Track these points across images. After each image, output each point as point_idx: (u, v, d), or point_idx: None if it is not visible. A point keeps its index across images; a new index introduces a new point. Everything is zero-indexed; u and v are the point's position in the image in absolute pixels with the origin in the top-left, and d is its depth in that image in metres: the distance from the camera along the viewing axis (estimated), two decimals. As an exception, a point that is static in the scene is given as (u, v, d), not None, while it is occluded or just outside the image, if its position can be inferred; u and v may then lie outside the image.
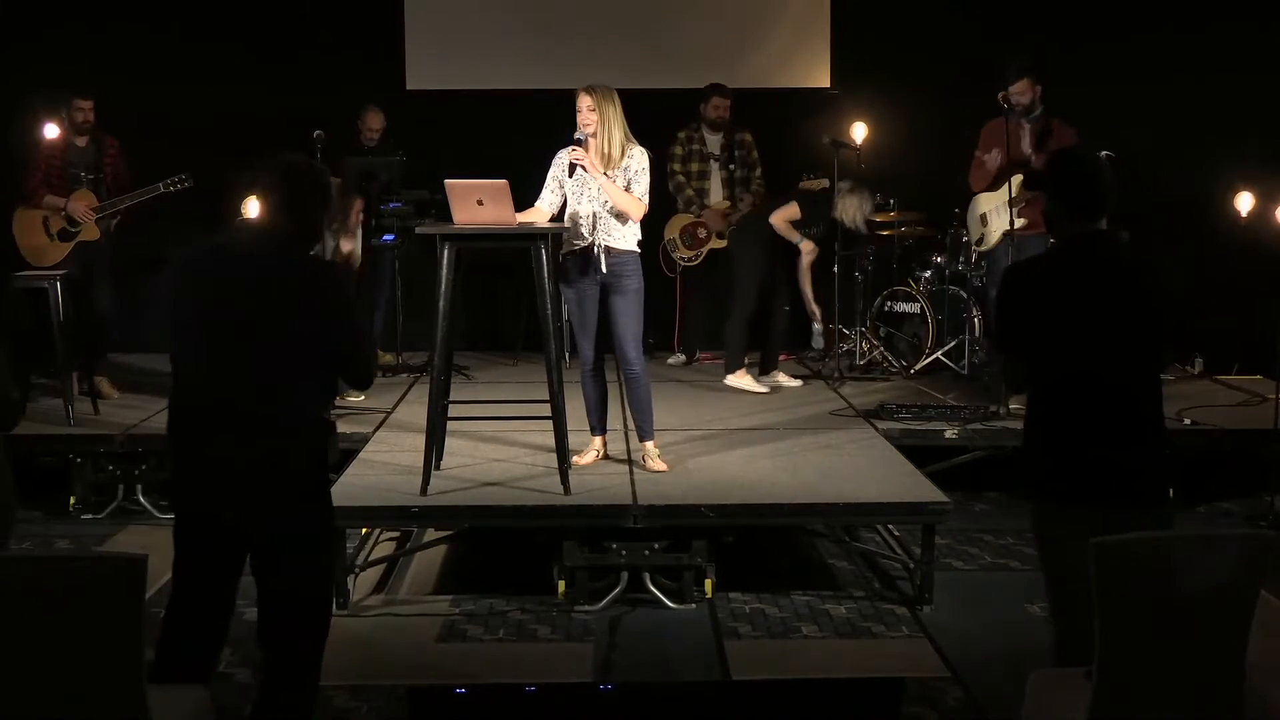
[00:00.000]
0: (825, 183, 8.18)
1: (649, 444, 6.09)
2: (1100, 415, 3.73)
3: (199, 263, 3.72)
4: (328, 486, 3.81)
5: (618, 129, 5.78)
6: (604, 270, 5.81)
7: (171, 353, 3.70)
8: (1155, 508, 3.71)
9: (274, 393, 3.56)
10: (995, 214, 7.41)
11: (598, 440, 6.18)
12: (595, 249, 5.80)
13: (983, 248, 7.74)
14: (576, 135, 5.78)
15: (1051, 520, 3.80)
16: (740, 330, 8.07)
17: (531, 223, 5.81)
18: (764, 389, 7.94)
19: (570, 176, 5.83)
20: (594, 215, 5.81)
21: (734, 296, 8.05)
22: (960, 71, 8.71)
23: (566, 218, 5.87)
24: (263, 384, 3.55)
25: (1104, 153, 6.56)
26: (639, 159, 5.86)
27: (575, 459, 5.97)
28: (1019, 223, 7.19)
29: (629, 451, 6.34)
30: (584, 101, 5.77)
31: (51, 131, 7.73)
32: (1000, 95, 7.09)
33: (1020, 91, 7.28)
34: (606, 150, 5.76)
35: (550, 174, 5.92)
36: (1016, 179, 7.26)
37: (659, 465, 6.05)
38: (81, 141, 7.59)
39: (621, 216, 5.83)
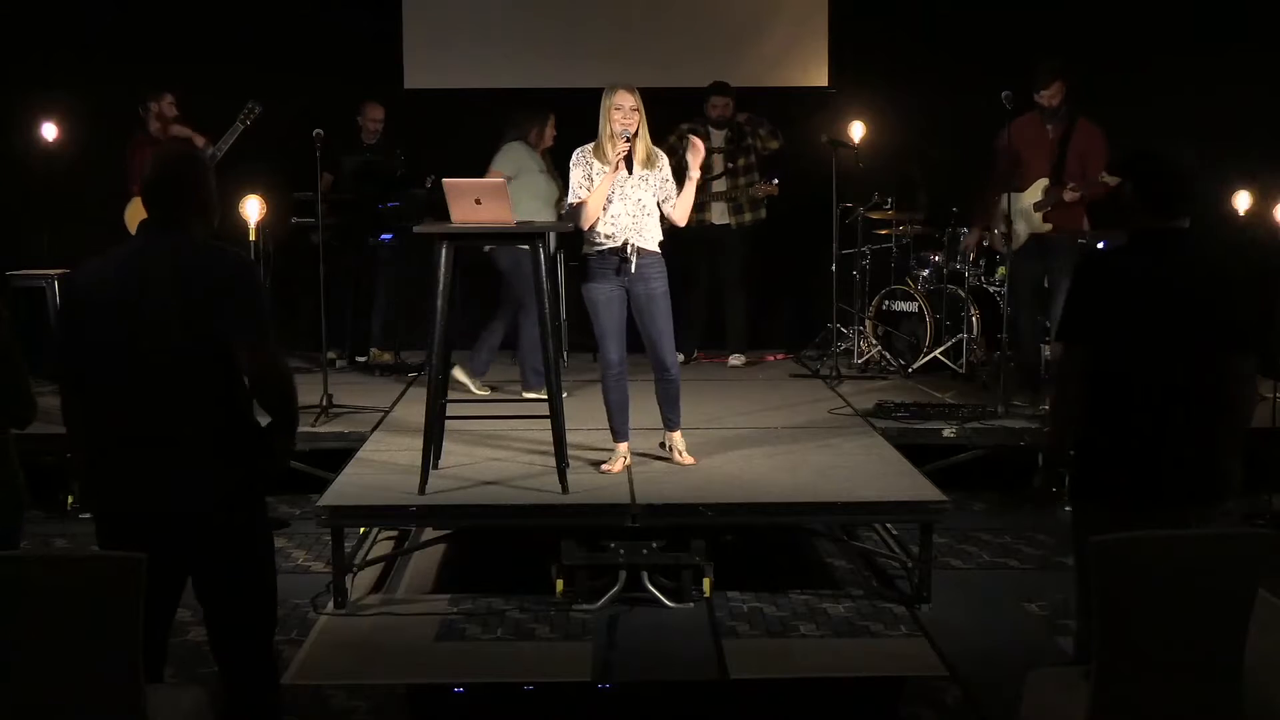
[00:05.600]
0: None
1: (677, 434, 6.11)
2: (1163, 414, 3.67)
3: (96, 271, 3.54)
4: (254, 485, 3.60)
5: (646, 131, 5.73)
6: (634, 271, 5.73)
7: (72, 365, 3.53)
8: (1204, 508, 3.67)
9: (187, 391, 3.43)
10: (1020, 216, 7.32)
11: (623, 446, 6.05)
12: (627, 249, 5.72)
13: (1004, 249, 7.52)
14: (625, 134, 5.63)
15: (1097, 519, 3.64)
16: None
17: (581, 206, 5.68)
18: None
19: (630, 174, 5.68)
20: (628, 215, 5.72)
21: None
22: (958, 70, 8.72)
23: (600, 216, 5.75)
24: (176, 383, 3.42)
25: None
26: (667, 163, 5.83)
27: (605, 467, 5.97)
28: (1045, 227, 7.25)
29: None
30: (626, 100, 5.65)
31: (50, 132, 7.74)
32: (1004, 95, 7.03)
33: (1054, 94, 7.27)
34: (645, 151, 5.70)
35: (581, 172, 5.70)
36: (1041, 182, 7.30)
37: (688, 459, 6.08)
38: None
39: (653, 216, 5.78)
